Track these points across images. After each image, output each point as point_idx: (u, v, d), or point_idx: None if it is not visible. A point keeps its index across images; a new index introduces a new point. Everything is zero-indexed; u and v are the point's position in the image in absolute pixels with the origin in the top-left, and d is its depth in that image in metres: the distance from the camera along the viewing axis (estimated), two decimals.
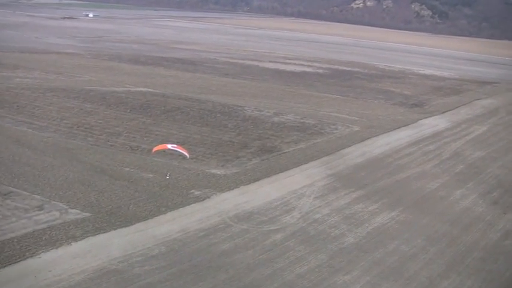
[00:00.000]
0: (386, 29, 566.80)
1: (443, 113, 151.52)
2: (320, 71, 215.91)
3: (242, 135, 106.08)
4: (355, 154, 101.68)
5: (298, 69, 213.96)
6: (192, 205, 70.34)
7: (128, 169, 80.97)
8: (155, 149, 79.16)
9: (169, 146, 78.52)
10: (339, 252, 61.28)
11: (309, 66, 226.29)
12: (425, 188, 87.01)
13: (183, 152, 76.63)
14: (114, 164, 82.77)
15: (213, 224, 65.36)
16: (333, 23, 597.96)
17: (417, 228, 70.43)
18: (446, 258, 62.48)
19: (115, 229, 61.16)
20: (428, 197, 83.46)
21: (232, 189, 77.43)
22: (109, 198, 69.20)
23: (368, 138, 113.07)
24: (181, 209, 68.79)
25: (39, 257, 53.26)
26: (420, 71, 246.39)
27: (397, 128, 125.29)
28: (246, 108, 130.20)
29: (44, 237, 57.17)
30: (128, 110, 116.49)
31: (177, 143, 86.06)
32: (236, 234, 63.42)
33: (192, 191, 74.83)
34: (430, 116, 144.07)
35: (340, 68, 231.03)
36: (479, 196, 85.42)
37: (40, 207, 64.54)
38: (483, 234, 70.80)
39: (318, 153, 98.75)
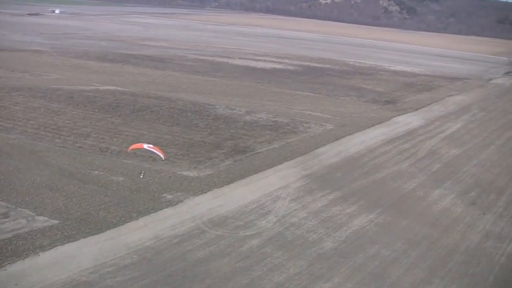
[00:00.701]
0: (354, 25, 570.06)
1: (416, 110, 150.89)
2: (291, 67, 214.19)
3: (214, 135, 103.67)
4: (330, 154, 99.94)
5: (269, 66, 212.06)
6: (165, 210, 67.94)
7: (97, 172, 78.15)
8: (132, 147, 76.80)
9: (145, 146, 76.15)
10: (318, 258, 59.33)
11: (279, 62, 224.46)
12: (402, 189, 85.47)
13: (158, 153, 74.04)
14: (83, 167, 79.81)
15: (187, 230, 63.03)
16: (301, 18, 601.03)
17: (397, 231, 68.77)
18: (428, 263, 60.89)
19: (85, 237, 58.49)
20: (406, 197, 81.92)
21: (206, 192, 75.06)
22: (78, 204, 66.42)
23: (342, 137, 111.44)
24: (153, 214, 66.30)
25: (5, 269, 50.59)
26: (391, 67, 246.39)
27: (371, 126, 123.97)
28: (217, 106, 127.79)
29: (9, 248, 54.39)
30: (96, 110, 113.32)
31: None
32: (211, 240, 61.15)
33: (164, 194, 72.40)
34: (404, 114, 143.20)
35: (311, 64, 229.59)
36: (457, 196, 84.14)
37: (5, 215, 61.61)
38: (463, 237, 69.37)
39: (292, 153, 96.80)
